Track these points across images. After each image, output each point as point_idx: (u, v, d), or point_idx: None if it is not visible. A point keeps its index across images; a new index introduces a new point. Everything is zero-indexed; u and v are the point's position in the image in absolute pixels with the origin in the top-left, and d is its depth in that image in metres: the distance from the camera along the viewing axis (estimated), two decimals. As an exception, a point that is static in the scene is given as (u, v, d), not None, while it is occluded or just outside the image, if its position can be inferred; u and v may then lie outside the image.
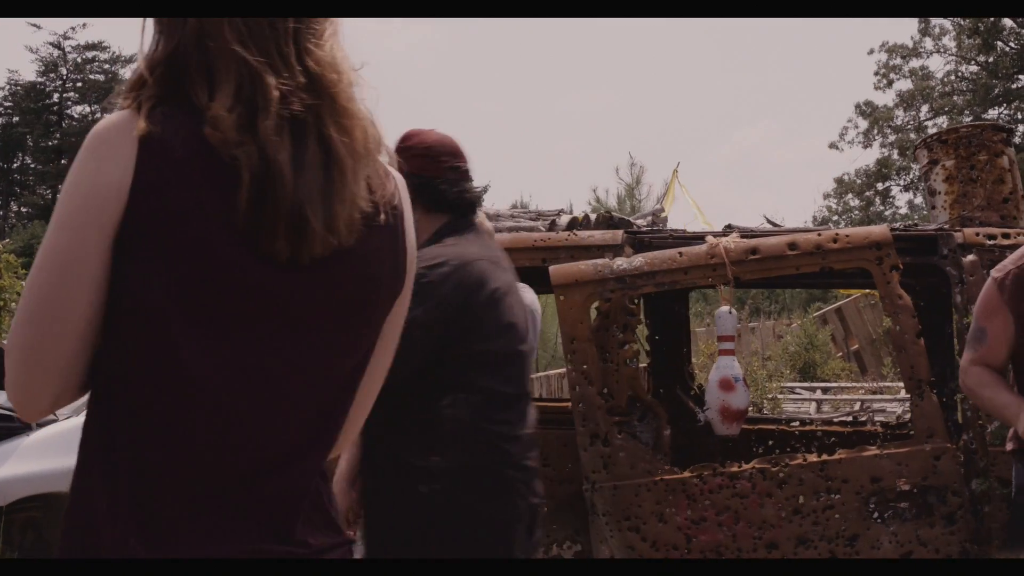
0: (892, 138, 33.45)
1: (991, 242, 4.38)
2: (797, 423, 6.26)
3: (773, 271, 4.47)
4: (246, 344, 1.50)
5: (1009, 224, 4.66)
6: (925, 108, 33.09)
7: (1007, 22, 30.22)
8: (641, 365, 7.03)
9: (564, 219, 5.03)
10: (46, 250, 1.44)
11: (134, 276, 1.44)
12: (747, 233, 4.65)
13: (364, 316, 1.63)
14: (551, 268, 4.45)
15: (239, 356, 1.50)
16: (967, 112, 32.02)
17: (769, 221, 5.12)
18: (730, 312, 4.56)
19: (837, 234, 4.44)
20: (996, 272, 3.38)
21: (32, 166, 45.90)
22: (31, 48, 55.74)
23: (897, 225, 4.69)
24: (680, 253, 4.43)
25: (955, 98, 32.54)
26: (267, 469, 1.55)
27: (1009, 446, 3.52)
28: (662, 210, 5.31)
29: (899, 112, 32.83)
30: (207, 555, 1.48)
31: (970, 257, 4.35)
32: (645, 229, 4.92)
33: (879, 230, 4.46)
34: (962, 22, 31.05)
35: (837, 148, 34.66)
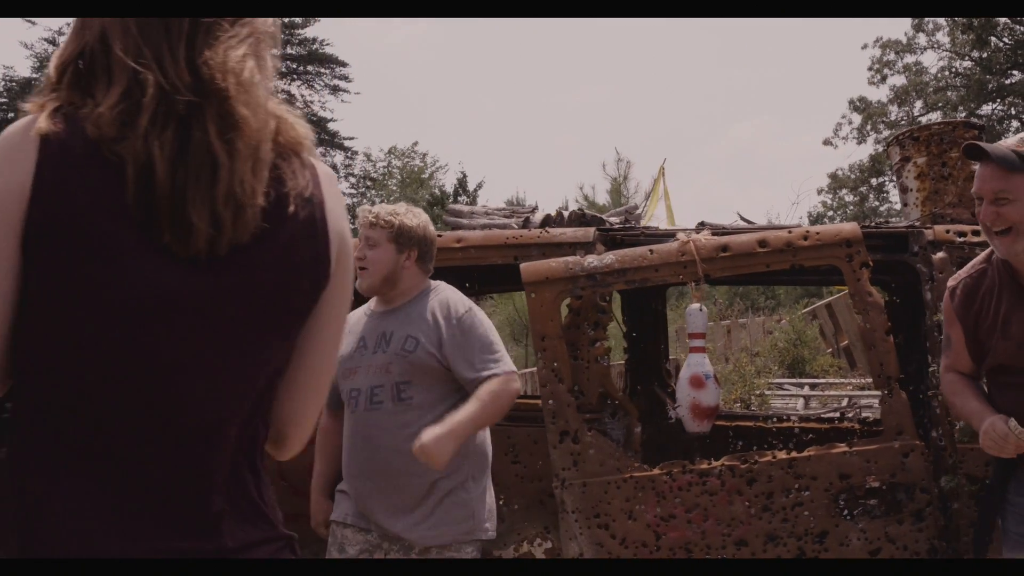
0: (886, 133, 33.48)
1: (961, 239, 4.39)
2: (775, 420, 6.26)
3: (743, 268, 4.48)
4: (152, 336, 1.54)
5: (981, 222, 4.66)
6: (919, 104, 33.13)
7: (1001, 18, 30.23)
8: (620, 361, 7.03)
9: (538, 216, 5.04)
10: None
11: (41, 273, 1.49)
12: (719, 231, 4.65)
13: (282, 306, 1.67)
14: (521, 266, 4.45)
15: (146, 347, 1.54)
16: (961, 108, 32.09)
17: (743, 219, 5.12)
18: (701, 309, 4.56)
19: (807, 231, 4.45)
20: (951, 281, 3.52)
21: (26, 162, 45.70)
22: (26, 44, 55.68)
23: (869, 222, 4.70)
24: (651, 251, 4.43)
25: (949, 93, 32.60)
26: (177, 462, 1.58)
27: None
28: (636, 207, 5.31)
29: (893, 108, 32.81)
30: (108, 554, 1.50)
31: (940, 254, 4.35)
32: (617, 226, 4.92)
33: (849, 227, 4.46)
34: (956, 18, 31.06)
35: (832, 145, 34.70)
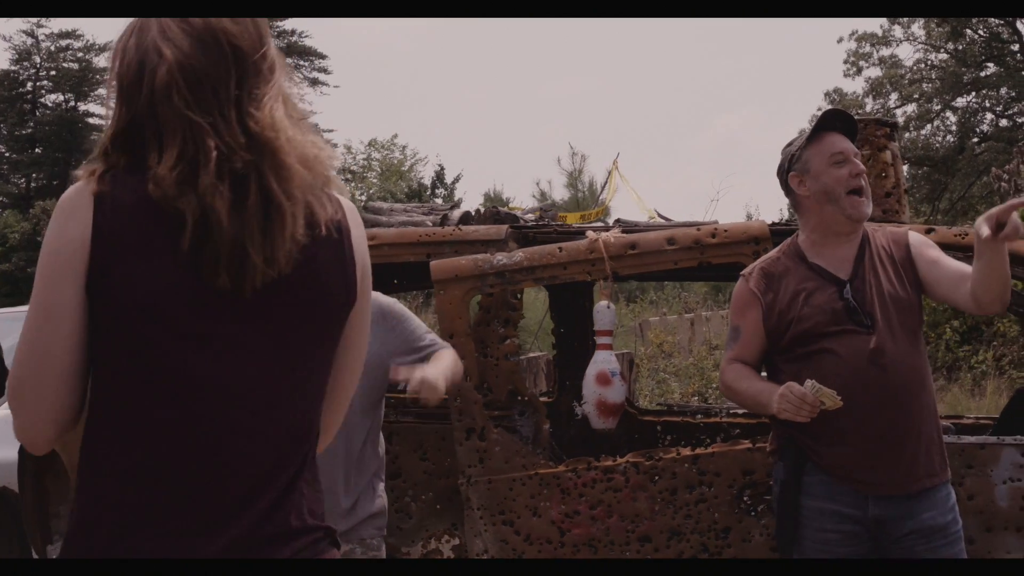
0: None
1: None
2: (701, 415, 6.29)
3: (652, 266, 4.50)
4: (209, 364, 1.76)
5: (891, 218, 4.68)
6: (894, 96, 33.19)
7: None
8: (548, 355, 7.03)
9: (456, 214, 5.05)
10: (32, 304, 1.73)
11: (104, 313, 1.72)
12: (629, 228, 4.67)
13: (319, 323, 1.88)
14: (431, 263, 4.47)
15: (200, 374, 1.75)
16: (936, 100, 32.17)
17: (661, 216, 5.15)
18: (608, 307, 4.58)
19: (716, 229, 4.47)
20: (744, 272, 3.72)
21: (6, 155, 45.60)
22: (4, 36, 55.68)
23: (778, 220, 4.72)
24: (560, 248, 4.45)
25: (924, 86, 32.65)
26: (244, 483, 1.79)
27: (768, 447, 3.74)
28: (553, 205, 5.32)
29: (868, 100, 32.88)
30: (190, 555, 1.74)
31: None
32: (531, 224, 4.95)
33: (757, 225, 4.48)
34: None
35: (808, 136, 34.68)
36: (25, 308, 6.81)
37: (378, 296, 3.68)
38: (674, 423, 6.19)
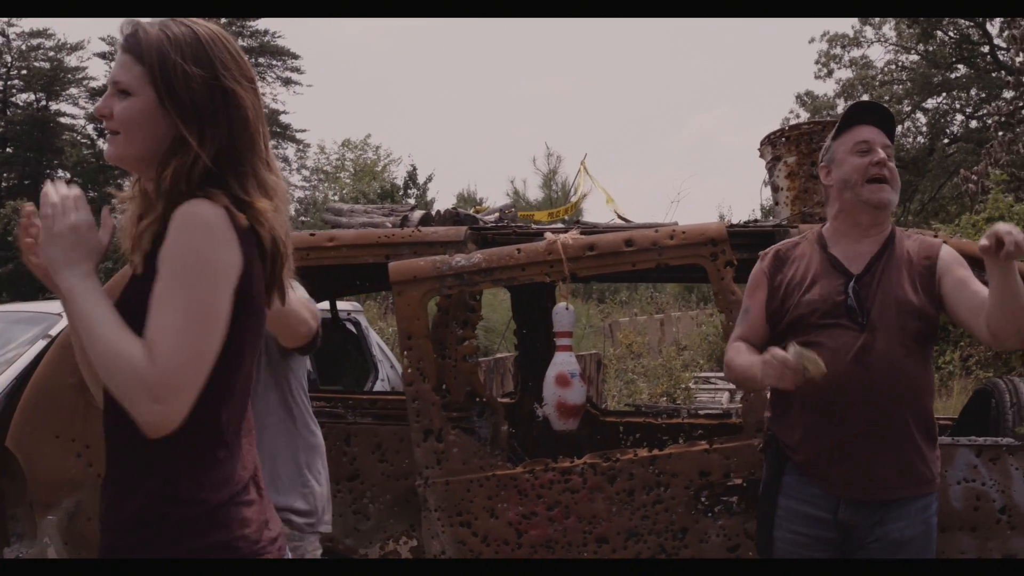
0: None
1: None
2: (665, 415, 6.31)
3: (610, 267, 4.50)
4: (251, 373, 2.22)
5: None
6: (865, 97, 33.30)
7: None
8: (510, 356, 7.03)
9: (416, 215, 5.04)
10: (191, 311, 1.97)
11: (244, 320, 2.10)
12: (588, 230, 4.68)
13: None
14: (390, 265, 4.46)
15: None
16: (906, 101, 32.32)
17: (621, 218, 5.15)
18: (567, 308, 4.59)
19: (674, 230, 4.48)
20: (762, 252, 3.70)
21: (-24, 154, 45.28)
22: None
23: (737, 221, 4.74)
24: (519, 250, 4.45)
25: (895, 87, 32.81)
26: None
27: (759, 444, 3.67)
28: (512, 206, 5.32)
29: (840, 102, 33.01)
30: None
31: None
32: (490, 225, 4.94)
33: (715, 226, 4.49)
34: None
35: (780, 138, 34.76)
36: (8, 307, 6.71)
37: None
38: (637, 424, 6.21)
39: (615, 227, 4.81)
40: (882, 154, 3.47)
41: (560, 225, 5.07)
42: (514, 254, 4.44)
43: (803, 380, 3.06)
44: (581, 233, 4.56)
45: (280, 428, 3.57)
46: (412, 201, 33.79)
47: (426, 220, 5.01)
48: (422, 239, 4.66)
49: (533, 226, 5.02)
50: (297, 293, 3.38)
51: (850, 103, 3.61)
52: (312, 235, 4.73)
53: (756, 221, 4.84)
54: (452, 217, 4.91)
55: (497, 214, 5.18)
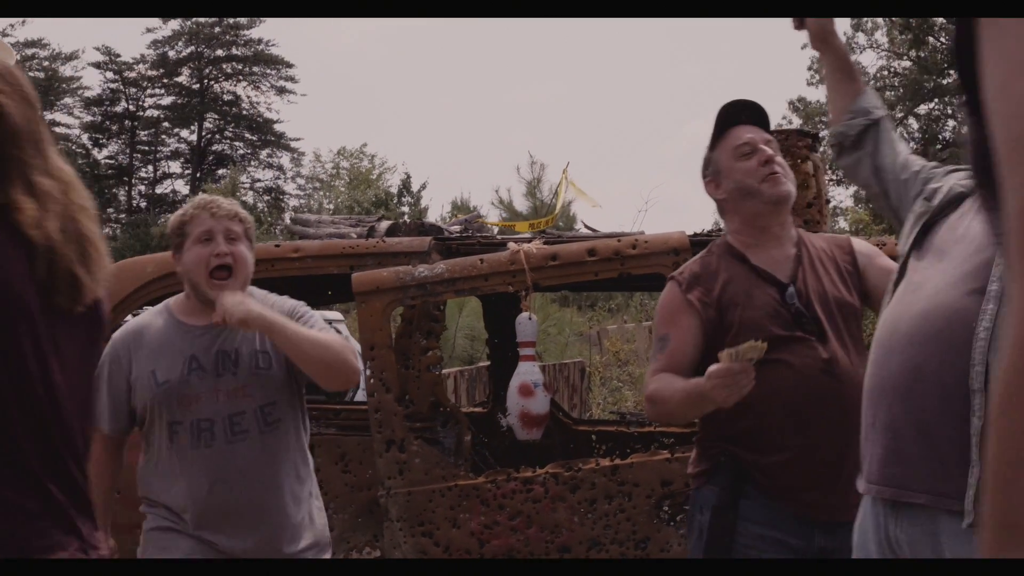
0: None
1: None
2: (637, 424, 6.32)
3: (573, 277, 4.52)
4: (38, 374, 2.05)
5: (813, 229, 4.71)
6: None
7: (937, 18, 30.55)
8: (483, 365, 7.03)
9: (383, 226, 5.06)
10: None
11: None
12: (551, 239, 4.69)
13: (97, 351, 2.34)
14: (353, 275, 4.47)
15: (40, 381, 2.05)
16: (899, 107, 32.41)
17: (588, 227, 5.17)
18: (530, 318, 4.60)
19: (636, 240, 4.49)
20: (673, 275, 3.37)
21: (-30, 164, 45.18)
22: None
23: (700, 230, 4.75)
24: (481, 260, 4.47)
25: (887, 93, 32.88)
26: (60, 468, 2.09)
27: (692, 469, 3.31)
28: (479, 215, 5.34)
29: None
30: None
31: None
32: (454, 235, 4.96)
33: (677, 236, 4.51)
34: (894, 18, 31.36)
35: (773, 145, 34.87)
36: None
37: (274, 295, 3.42)
38: (609, 432, 6.21)
39: (578, 237, 4.82)
40: (768, 151, 3.24)
41: (528, 235, 5.08)
42: (477, 264, 4.45)
43: (754, 374, 2.82)
44: (544, 243, 4.57)
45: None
46: (406, 210, 33.82)
47: (393, 231, 5.03)
48: (386, 249, 4.67)
49: (498, 236, 5.03)
50: (333, 336, 3.24)
51: (720, 107, 3.40)
52: (277, 246, 4.74)
53: (720, 230, 4.85)
54: (417, 228, 4.92)
55: (464, 224, 5.20)
